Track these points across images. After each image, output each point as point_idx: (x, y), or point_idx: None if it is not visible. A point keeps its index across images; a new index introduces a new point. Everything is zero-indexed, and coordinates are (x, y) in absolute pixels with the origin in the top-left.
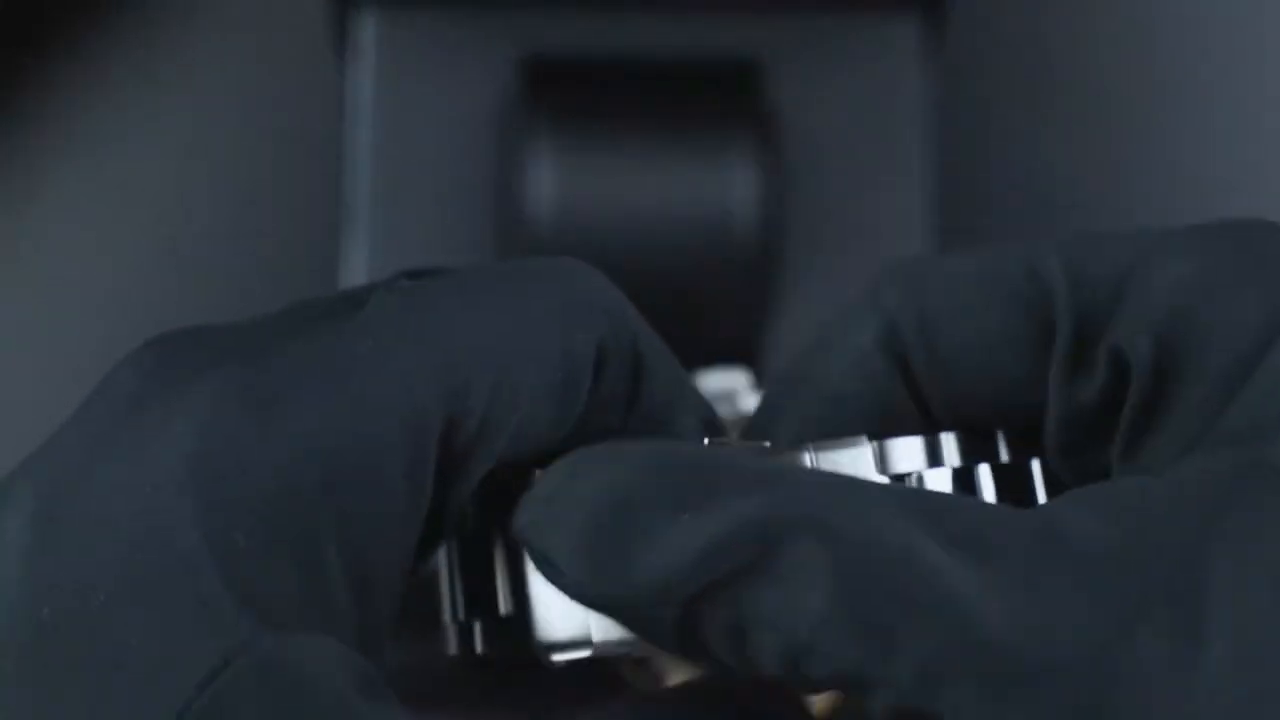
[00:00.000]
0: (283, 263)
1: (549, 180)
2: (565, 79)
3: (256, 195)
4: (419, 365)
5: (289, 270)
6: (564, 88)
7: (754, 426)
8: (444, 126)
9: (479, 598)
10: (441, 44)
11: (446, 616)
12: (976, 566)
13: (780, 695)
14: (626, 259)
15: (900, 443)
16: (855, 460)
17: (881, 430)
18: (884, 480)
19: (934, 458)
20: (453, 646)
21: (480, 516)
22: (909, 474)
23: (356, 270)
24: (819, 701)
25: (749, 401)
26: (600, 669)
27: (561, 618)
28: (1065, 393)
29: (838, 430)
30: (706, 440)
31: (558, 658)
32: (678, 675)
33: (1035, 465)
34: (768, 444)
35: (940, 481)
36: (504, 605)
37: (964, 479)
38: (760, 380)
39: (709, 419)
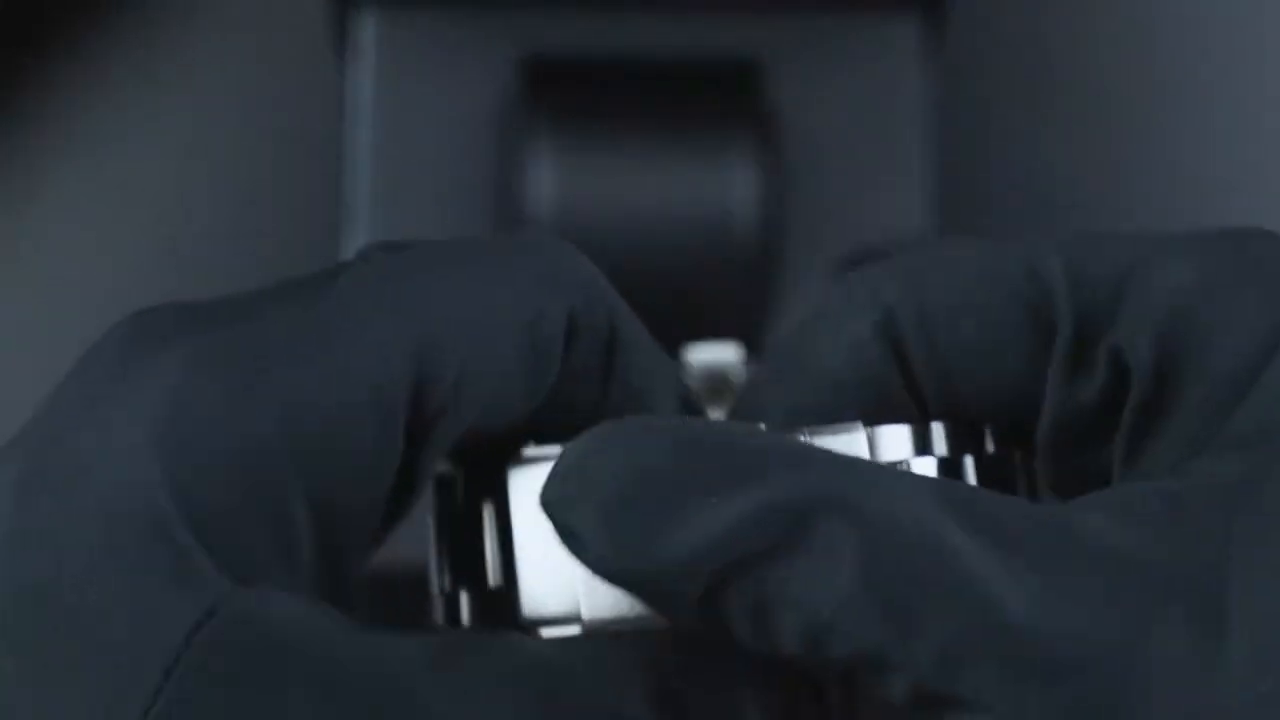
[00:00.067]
0: (283, 263)
1: (549, 180)
2: (565, 79)
3: (256, 195)
4: (389, 333)
5: (289, 270)
6: (564, 88)
7: (743, 405)
8: (444, 126)
9: (466, 569)
10: (441, 44)
11: (434, 588)
12: (1001, 555)
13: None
14: (626, 259)
15: (890, 430)
16: (849, 445)
17: (873, 418)
18: None
19: (923, 446)
20: (439, 617)
21: (470, 487)
22: (897, 461)
23: None
24: None
25: (741, 375)
26: None
27: (550, 592)
28: (1063, 392)
29: (830, 416)
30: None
31: (545, 633)
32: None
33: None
34: (762, 426)
35: (926, 470)
36: (492, 578)
37: (949, 469)
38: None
39: (686, 395)
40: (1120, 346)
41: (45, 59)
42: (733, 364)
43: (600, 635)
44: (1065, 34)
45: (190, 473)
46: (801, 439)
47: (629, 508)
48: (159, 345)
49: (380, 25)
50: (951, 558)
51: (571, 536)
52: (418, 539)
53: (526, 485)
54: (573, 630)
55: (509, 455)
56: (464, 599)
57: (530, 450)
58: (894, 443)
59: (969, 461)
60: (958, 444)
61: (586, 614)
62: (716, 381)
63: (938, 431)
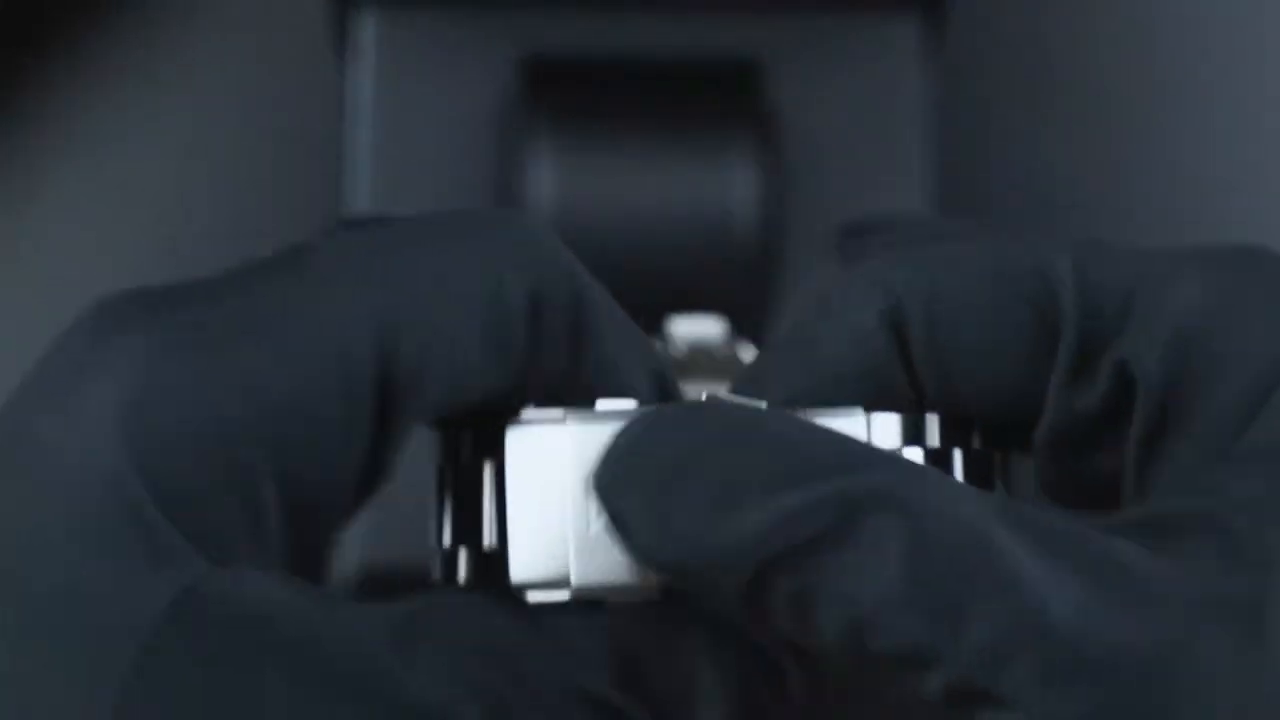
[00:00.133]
0: None
1: (549, 180)
2: (565, 79)
3: (256, 195)
4: (351, 310)
5: None
6: (564, 88)
7: (743, 386)
8: (444, 126)
9: (466, 528)
10: (441, 44)
11: (432, 541)
12: (1046, 559)
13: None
14: (626, 259)
15: (884, 417)
16: (848, 429)
17: (871, 405)
18: None
19: (914, 437)
20: (437, 572)
21: (475, 446)
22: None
23: None
24: None
25: (724, 348)
26: None
27: (540, 557)
28: (1065, 397)
29: (830, 402)
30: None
31: (533, 597)
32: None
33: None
34: (764, 404)
35: (914, 459)
36: (488, 538)
37: (938, 460)
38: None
39: (659, 371)
40: (1126, 360)
41: (45, 59)
42: (716, 337)
43: (587, 600)
44: (1065, 34)
45: (158, 454)
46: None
47: (678, 496)
48: (125, 329)
49: (380, 25)
50: (998, 557)
51: (619, 524)
52: (417, 540)
53: (523, 447)
54: (562, 595)
55: (510, 414)
56: (462, 556)
57: (529, 413)
58: (887, 430)
59: (958, 455)
60: (949, 437)
61: (576, 579)
62: (699, 354)
63: (931, 423)
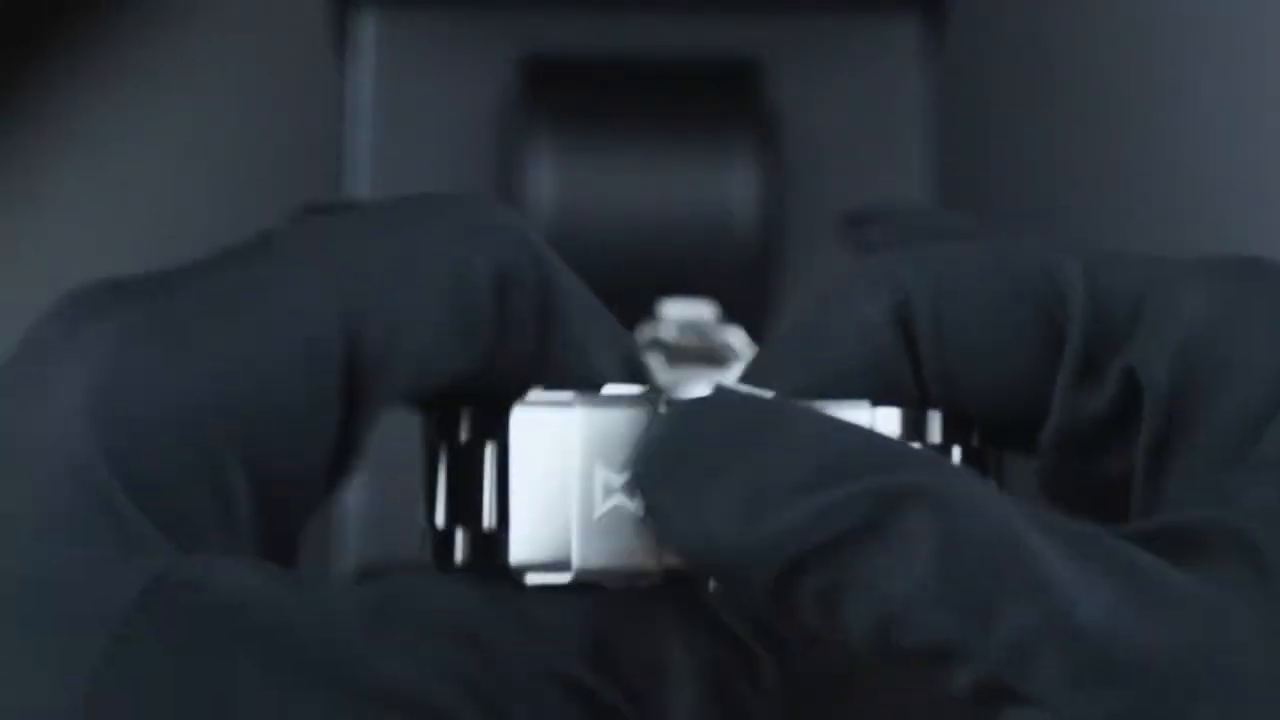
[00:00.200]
0: None
1: (549, 180)
2: (565, 79)
3: (256, 195)
4: (318, 295)
5: None
6: (564, 88)
7: (750, 376)
8: (444, 126)
9: (463, 508)
10: (441, 44)
11: (424, 521)
12: (1075, 559)
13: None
14: (626, 259)
15: (887, 411)
16: (854, 420)
17: (876, 400)
18: None
19: (916, 432)
20: (430, 553)
21: (474, 427)
22: None
23: None
24: None
25: (715, 332)
26: None
27: (543, 539)
28: (1071, 400)
29: (835, 396)
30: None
31: (533, 579)
32: None
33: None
34: (770, 394)
35: None
36: (488, 519)
37: None
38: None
39: (629, 353)
40: (1134, 366)
41: (45, 59)
42: (707, 321)
43: (588, 584)
44: (1065, 34)
45: (127, 442)
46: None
47: (712, 490)
48: (94, 317)
49: (380, 25)
50: (1029, 556)
51: (654, 515)
52: (417, 539)
53: (529, 429)
54: (563, 578)
55: (514, 397)
56: (459, 537)
57: (536, 394)
58: (889, 424)
59: (956, 452)
60: (949, 435)
61: (578, 562)
62: (690, 338)
63: (934, 420)
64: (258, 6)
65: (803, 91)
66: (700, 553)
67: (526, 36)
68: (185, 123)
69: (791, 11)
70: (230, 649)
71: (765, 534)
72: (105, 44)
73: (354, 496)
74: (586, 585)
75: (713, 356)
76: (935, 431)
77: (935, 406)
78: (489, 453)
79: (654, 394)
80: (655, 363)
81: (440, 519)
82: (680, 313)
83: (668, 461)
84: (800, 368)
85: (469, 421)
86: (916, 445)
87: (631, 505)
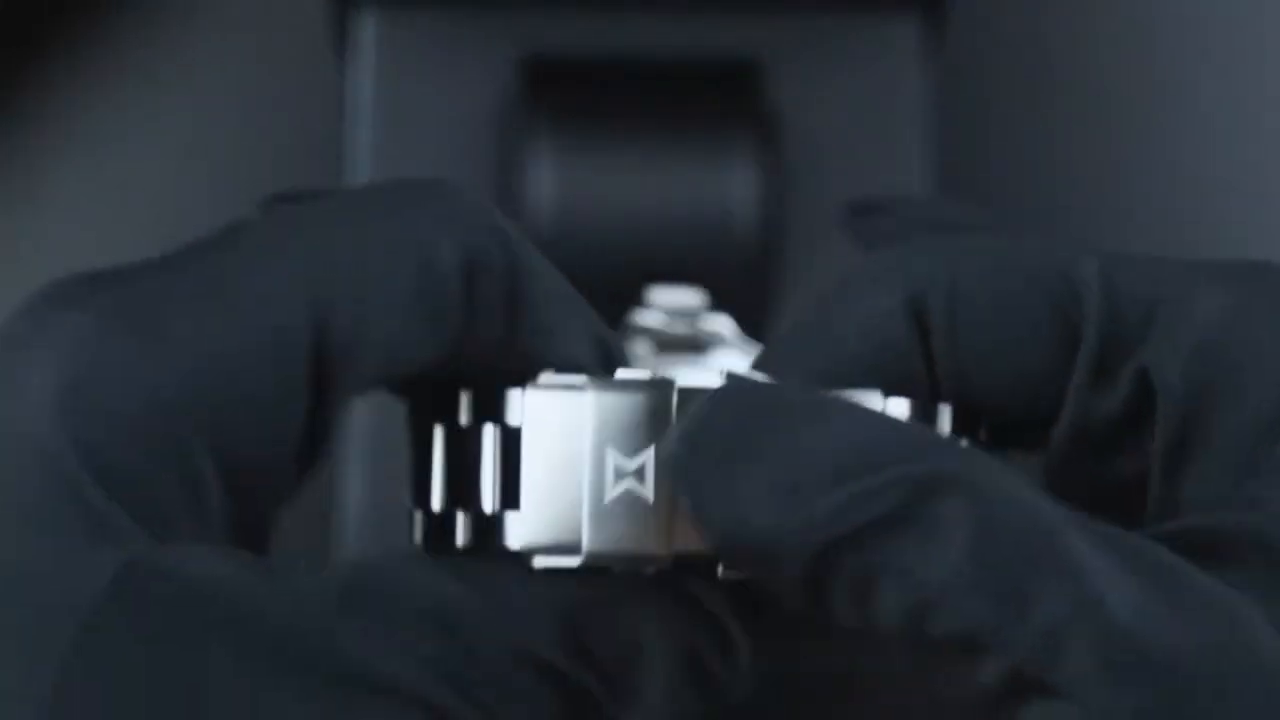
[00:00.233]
0: None
1: (549, 180)
2: (565, 79)
3: (256, 195)
4: (284, 283)
5: None
6: (564, 88)
7: (763, 364)
8: (444, 126)
9: (464, 491)
10: (441, 44)
11: (411, 504)
12: (1110, 555)
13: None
14: (626, 259)
15: (897, 402)
16: None
17: (887, 391)
18: None
19: (927, 424)
20: (419, 536)
21: (475, 409)
22: None
23: None
24: None
25: (702, 320)
26: None
27: (552, 522)
28: (1084, 399)
29: (846, 385)
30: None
31: (541, 561)
32: None
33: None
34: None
35: None
36: (488, 502)
37: None
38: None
39: (602, 338)
40: (1148, 369)
41: (45, 59)
42: (695, 308)
43: (596, 568)
44: (1065, 34)
45: (95, 432)
46: None
47: (749, 475)
48: (63, 309)
49: (380, 25)
50: (1063, 546)
51: (690, 497)
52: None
53: (541, 411)
54: (572, 561)
55: (512, 379)
56: (460, 520)
57: (547, 377)
58: (898, 415)
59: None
60: (958, 429)
61: (588, 546)
62: (677, 324)
63: (944, 412)
64: (258, 6)
65: (803, 91)
66: (736, 536)
67: (526, 36)
68: (185, 123)
69: (791, 11)
70: (200, 636)
71: (801, 519)
72: (105, 44)
73: (353, 493)
74: (596, 569)
75: (699, 343)
76: (945, 425)
77: (945, 400)
78: (489, 435)
79: (667, 379)
80: (642, 349)
81: (438, 502)
82: (668, 300)
83: (706, 445)
84: (812, 356)
85: (469, 404)
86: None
87: (642, 490)
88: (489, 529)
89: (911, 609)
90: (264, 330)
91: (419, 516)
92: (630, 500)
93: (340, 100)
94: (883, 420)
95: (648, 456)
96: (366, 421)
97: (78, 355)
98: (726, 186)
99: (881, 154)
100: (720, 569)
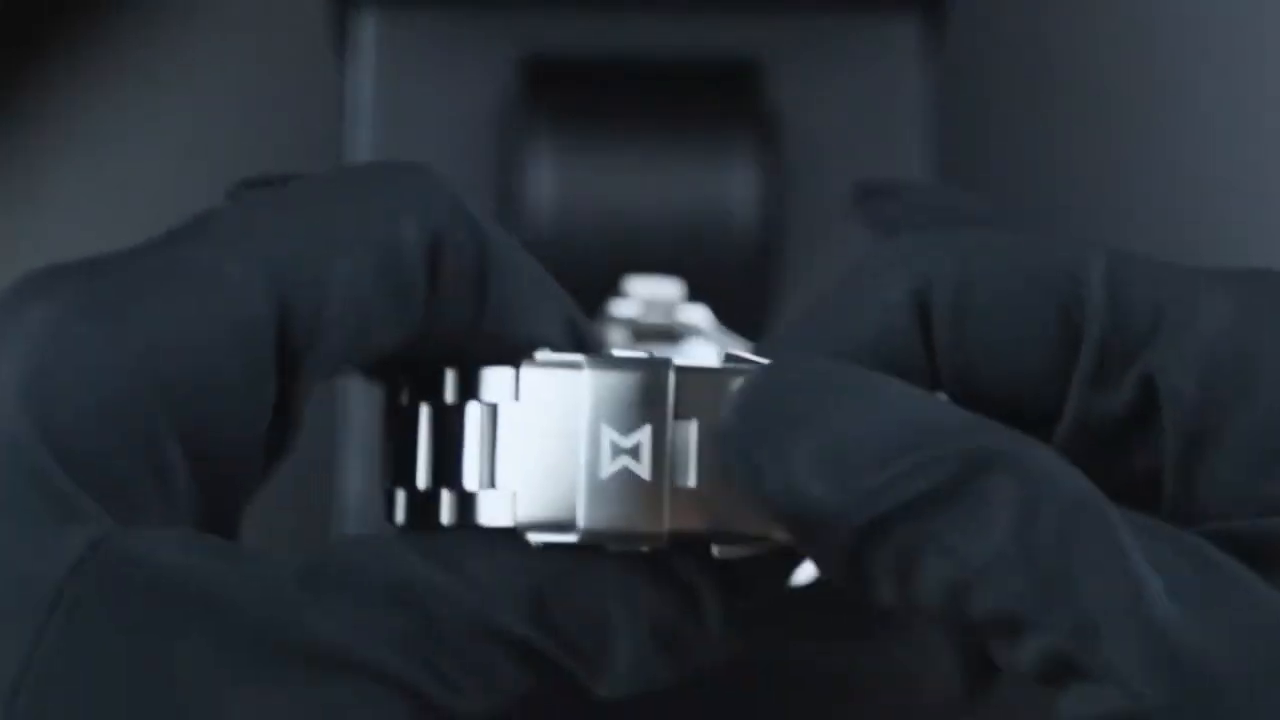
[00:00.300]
0: None
1: (549, 180)
2: (565, 79)
3: None
4: (249, 269)
5: None
6: (564, 88)
7: (766, 349)
8: (444, 126)
9: (448, 469)
10: (441, 44)
11: (387, 483)
12: (1156, 545)
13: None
14: (626, 259)
15: None
16: None
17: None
18: None
19: None
20: (401, 516)
21: (459, 388)
22: None
23: None
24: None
25: (679, 311)
26: None
27: (549, 499)
28: (1087, 399)
29: None
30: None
31: (536, 538)
32: None
33: None
34: None
35: None
36: (471, 480)
37: None
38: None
39: (571, 318)
40: (1153, 373)
41: (45, 59)
42: (672, 298)
43: (593, 546)
44: (1065, 34)
45: (61, 418)
46: None
47: (802, 448)
48: (31, 299)
49: (380, 25)
50: (1108, 529)
51: (745, 468)
52: None
53: (536, 389)
54: (568, 538)
55: (485, 360)
56: (445, 498)
57: (544, 355)
58: None
59: None
60: None
61: (584, 523)
62: (654, 314)
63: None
64: (258, 6)
65: (803, 91)
66: (787, 506)
67: (526, 36)
68: (185, 123)
69: (791, 11)
70: (167, 616)
71: (852, 491)
72: (105, 44)
73: (352, 486)
74: (591, 546)
75: (675, 333)
76: None
77: (946, 391)
78: (473, 413)
79: (664, 359)
80: (618, 338)
81: (423, 480)
82: (646, 290)
83: (758, 415)
84: (815, 342)
85: (455, 382)
86: None
87: (638, 468)
88: (471, 506)
89: (953, 587)
90: (228, 316)
91: (400, 495)
92: (626, 478)
93: (340, 100)
94: (931, 399)
95: (644, 435)
96: (365, 414)
97: (43, 343)
98: (726, 186)
99: (881, 154)
100: (715, 549)
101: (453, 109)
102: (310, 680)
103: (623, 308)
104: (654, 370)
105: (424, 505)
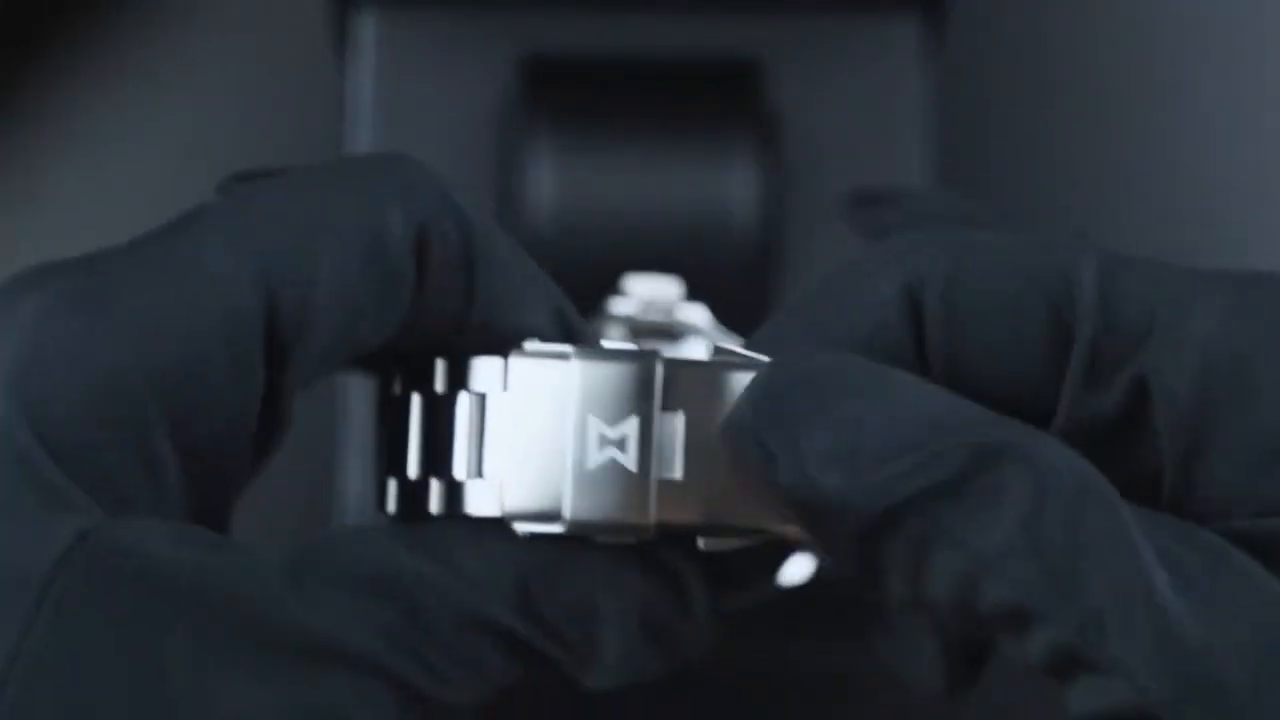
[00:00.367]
0: None
1: (549, 180)
2: (565, 79)
3: None
4: (234, 263)
5: None
6: (564, 88)
7: (756, 342)
8: (444, 126)
9: (438, 459)
10: (441, 44)
11: (381, 473)
12: (1168, 540)
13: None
14: (626, 259)
15: None
16: None
17: None
18: None
19: None
20: (392, 505)
21: (449, 377)
22: None
23: None
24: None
25: (677, 309)
26: None
27: (535, 489)
28: (1079, 400)
29: None
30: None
31: (523, 528)
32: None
33: None
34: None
35: None
36: (462, 469)
37: None
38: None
39: (559, 308)
40: (1146, 376)
41: (45, 59)
42: (671, 297)
43: (578, 534)
44: (1065, 34)
45: (50, 409)
46: None
47: (821, 436)
48: (23, 293)
49: (380, 25)
50: (1119, 523)
51: (762, 455)
52: None
53: (526, 379)
54: (554, 528)
55: (475, 351)
56: (434, 487)
57: (533, 346)
58: None
59: None
60: None
61: (570, 513)
62: (652, 313)
63: None
64: (258, 6)
65: (803, 91)
66: (801, 494)
67: (526, 36)
68: (185, 123)
69: (791, 11)
70: (155, 606)
71: (866, 481)
72: (105, 44)
73: (353, 485)
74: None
75: (674, 332)
76: None
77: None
78: (463, 402)
79: (652, 350)
80: (616, 336)
81: (414, 469)
82: (644, 288)
83: (773, 405)
84: (805, 336)
85: (445, 372)
86: None
87: (625, 459)
88: (459, 496)
89: (963, 579)
90: (216, 307)
91: (392, 485)
92: (613, 469)
93: (340, 100)
94: (942, 393)
95: (630, 426)
96: (365, 412)
97: (32, 335)
98: (726, 186)
99: (881, 154)
100: (701, 541)
101: (453, 109)
102: (298, 671)
103: (621, 306)
104: (641, 362)
105: (415, 495)
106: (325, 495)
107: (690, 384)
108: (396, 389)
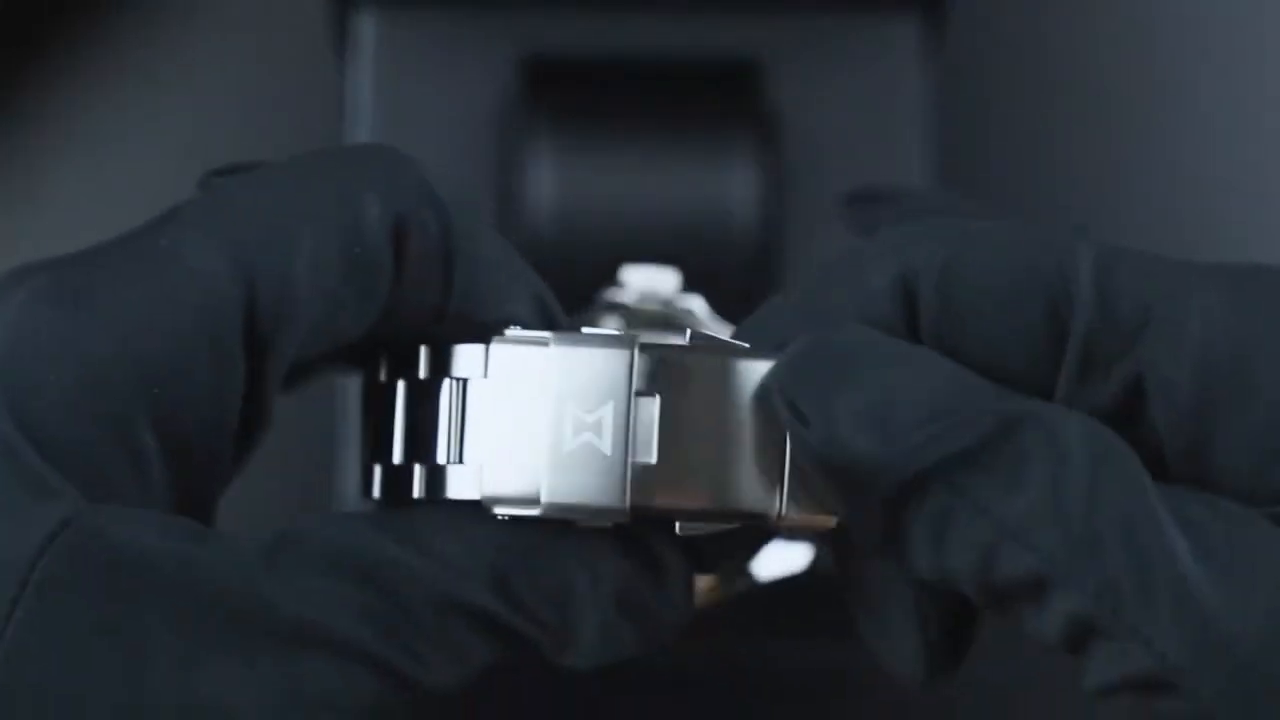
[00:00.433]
0: None
1: (549, 180)
2: (565, 79)
3: None
4: (216, 254)
5: None
6: (564, 88)
7: (748, 329)
8: (444, 126)
9: (420, 444)
10: (441, 44)
11: (365, 459)
12: (1188, 505)
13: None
14: (626, 258)
15: None
16: None
17: None
18: None
19: None
20: (376, 491)
21: (431, 364)
22: None
23: None
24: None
25: (679, 301)
26: None
27: (514, 473)
28: (1074, 392)
29: None
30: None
31: (501, 511)
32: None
33: None
34: (748, 346)
35: None
36: (443, 454)
37: None
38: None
39: (540, 296)
40: (1142, 369)
41: (45, 59)
42: (668, 288)
43: (555, 518)
44: (1065, 34)
45: (32, 398)
46: None
47: (848, 404)
48: (7, 289)
49: (380, 25)
50: (1140, 491)
51: (798, 418)
52: None
53: (506, 364)
54: (532, 511)
55: (457, 340)
56: (417, 473)
57: (513, 332)
58: None
59: None
60: None
61: (547, 496)
62: (649, 303)
63: None
64: (258, 6)
65: (803, 91)
66: (832, 457)
67: (526, 36)
68: (185, 123)
69: (791, 11)
70: (137, 593)
71: (896, 445)
72: (105, 44)
73: (353, 479)
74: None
75: (671, 321)
76: None
77: None
78: (446, 389)
79: (629, 336)
80: (613, 326)
81: (399, 455)
82: (642, 279)
83: (804, 373)
84: (798, 326)
85: (428, 359)
86: None
87: (600, 443)
88: (440, 481)
89: (983, 548)
90: (196, 300)
91: (378, 471)
92: (589, 453)
93: (340, 100)
94: (965, 370)
95: (607, 411)
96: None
97: (13, 328)
98: (726, 186)
99: (881, 154)
100: (678, 525)
101: (453, 109)
102: (278, 655)
103: (618, 296)
104: (619, 347)
105: (399, 480)
106: (323, 492)
107: (667, 369)
108: (382, 376)
